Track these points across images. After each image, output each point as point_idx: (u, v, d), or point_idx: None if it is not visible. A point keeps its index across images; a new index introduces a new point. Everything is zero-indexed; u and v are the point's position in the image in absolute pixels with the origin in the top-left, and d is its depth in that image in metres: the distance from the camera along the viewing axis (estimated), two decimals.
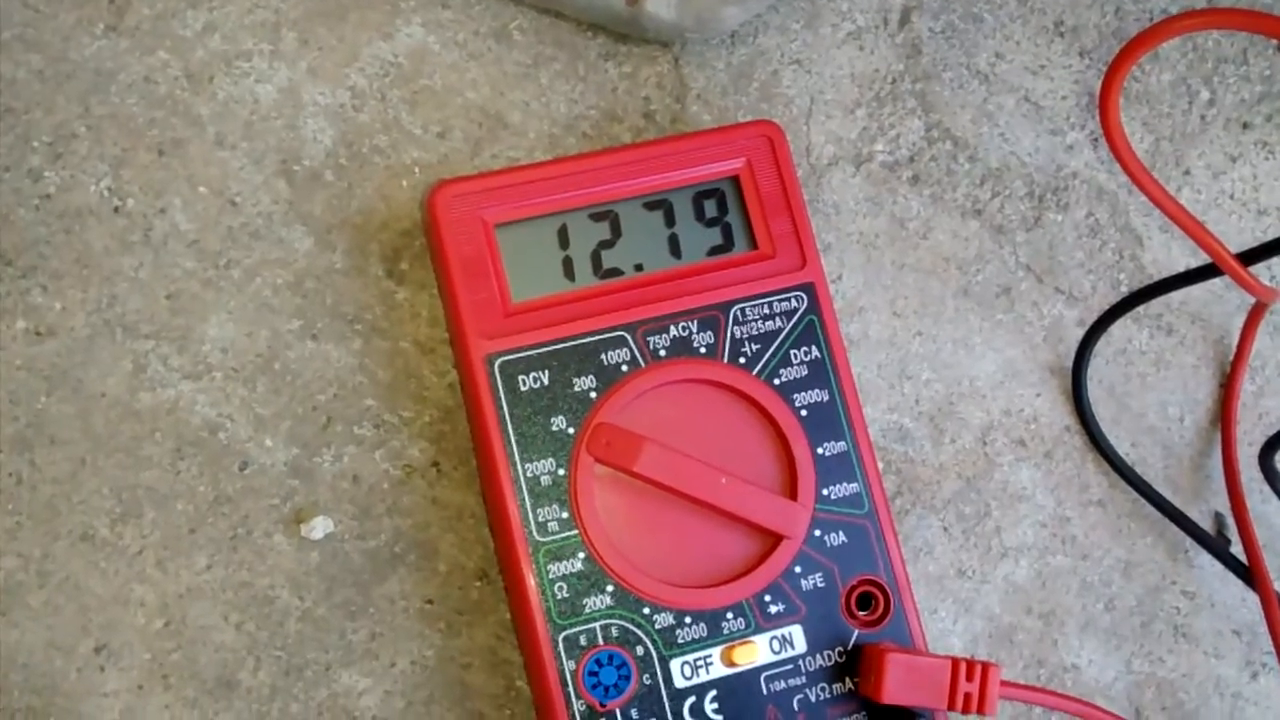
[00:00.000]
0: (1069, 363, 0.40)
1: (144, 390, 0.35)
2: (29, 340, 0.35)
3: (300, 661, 0.34)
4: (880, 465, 0.38)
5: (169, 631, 0.34)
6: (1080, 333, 0.40)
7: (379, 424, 0.36)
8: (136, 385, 0.35)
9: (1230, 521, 0.40)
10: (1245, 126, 0.43)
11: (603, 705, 0.32)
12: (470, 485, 0.36)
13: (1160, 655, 0.39)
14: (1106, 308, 0.39)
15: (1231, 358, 0.41)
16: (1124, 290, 0.41)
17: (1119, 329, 0.41)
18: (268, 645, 0.34)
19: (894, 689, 0.32)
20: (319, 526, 0.35)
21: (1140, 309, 0.41)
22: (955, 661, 0.32)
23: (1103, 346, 0.40)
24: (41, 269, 0.35)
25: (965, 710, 0.32)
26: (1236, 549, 0.39)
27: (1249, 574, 0.39)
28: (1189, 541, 0.40)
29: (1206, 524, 0.40)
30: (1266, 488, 0.39)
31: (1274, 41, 0.44)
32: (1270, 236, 0.41)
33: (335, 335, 0.36)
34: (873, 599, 0.34)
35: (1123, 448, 0.40)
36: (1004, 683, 0.33)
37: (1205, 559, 0.40)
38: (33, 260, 0.35)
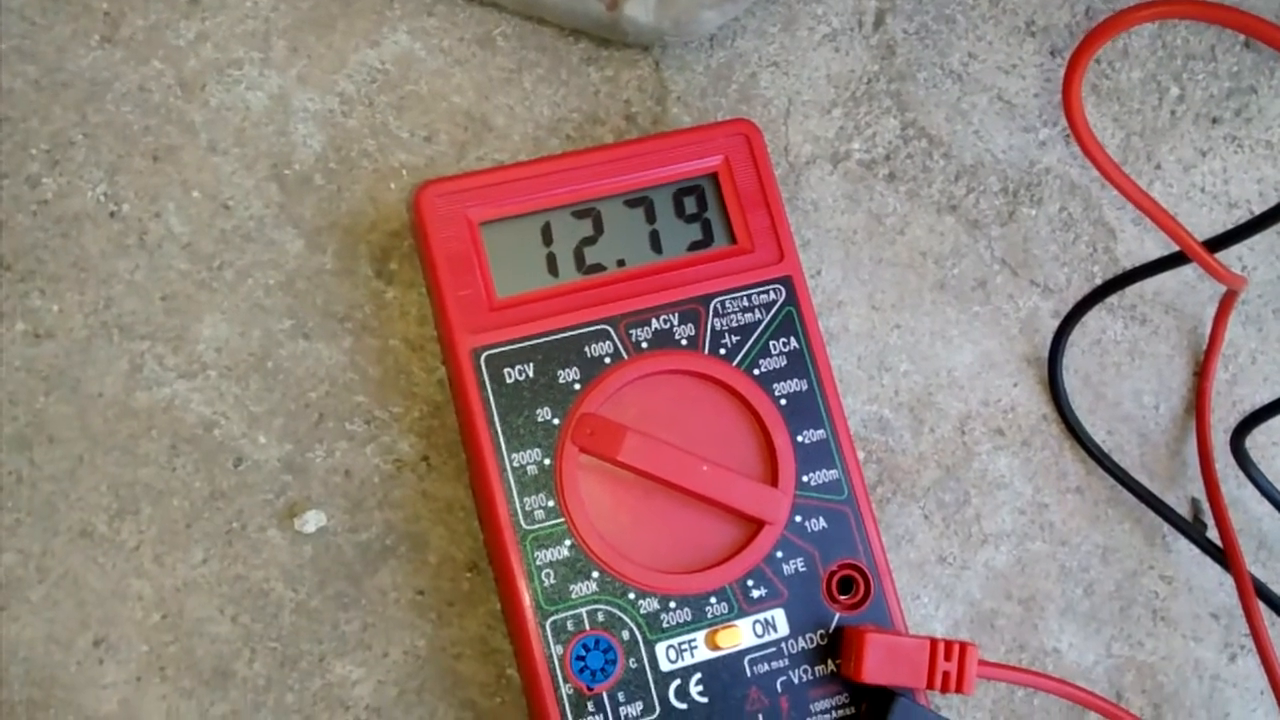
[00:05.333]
0: (1045, 353, 0.41)
1: (140, 389, 0.36)
2: (28, 342, 0.36)
3: (295, 652, 0.35)
4: (861, 455, 0.39)
5: (166, 624, 0.35)
6: (1055, 324, 0.41)
7: (370, 420, 0.37)
8: (133, 385, 0.36)
9: (1206, 506, 0.40)
10: (1214, 121, 0.44)
11: (590, 688, 0.33)
12: (460, 478, 0.37)
13: (1139, 639, 0.40)
14: (1080, 298, 0.40)
15: (1205, 346, 0.42)
16: (1098, 281, 0.42)
17: (1094, 319, 0.42)
18: (263, 637, 0.35)
19: (874, 669, 0.33)
20: (312, 520, 0.36)
21: (1114, 300, 0.42)
22: (934, 642, 0.33)
23: (1078, 337, 0.41)
24: (40, 272, 0.36)
25: (944, 689, 0.33)
26: (1212, 533, 0.40)
27: (1225, 558, 0.39)
28: (1166, 527, 0.41)
29: (1183, 509, 0.41)
30: (1241, 473, 0.40)
31: (1241, 37, 0.45)
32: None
33: (326, 334, 0.37)
34: (853, 582, 0.35)
35: (1099, 435, 0.41)
36: (982, 662, 0.33)
37: (1182, 544, 0.41)
38: (31, 264, 0.36)
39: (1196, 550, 0.40)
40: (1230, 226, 0.43)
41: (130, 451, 0.36)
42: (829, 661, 0.34)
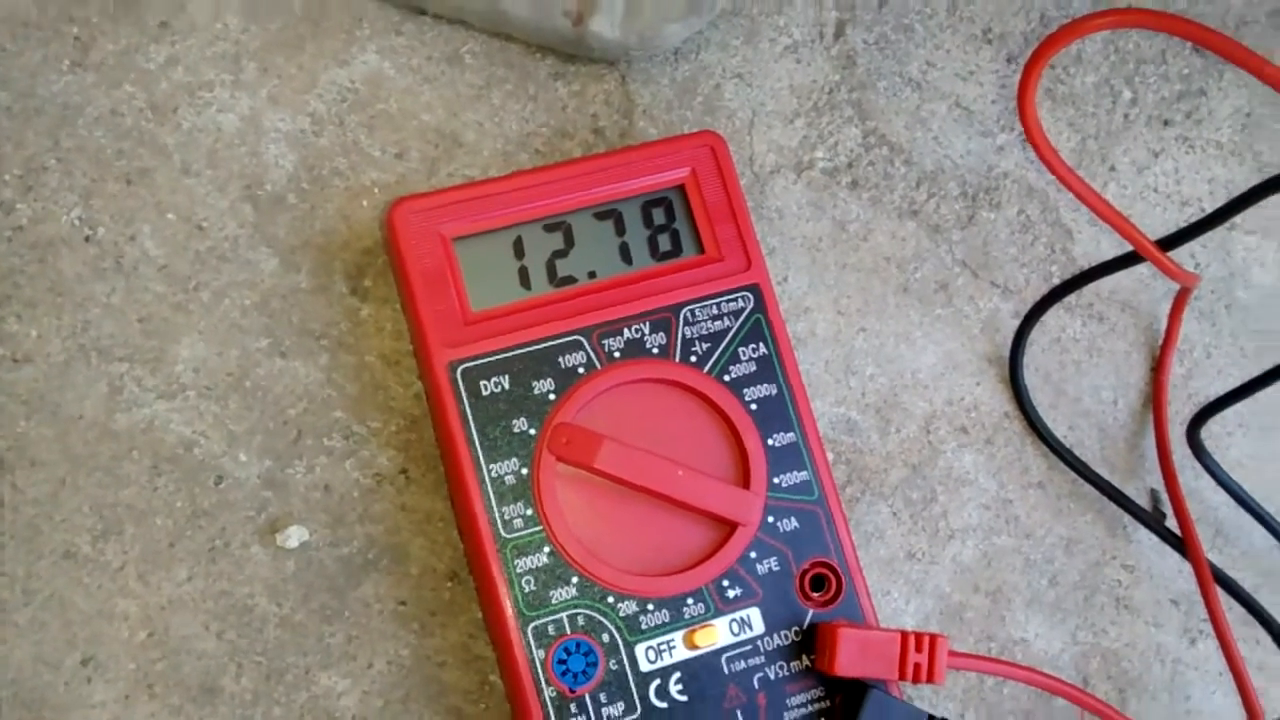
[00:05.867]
0: (1006, 352, 0.42)
1: (120, 411, 0.36)
2: (7, 367, 0.36)
3: (280, 666, 0.36)
4: (830, 456, 0.40)
5: (153, 642, 0.35)
6: (1016, 323, 0.42)
7: (348, 435, 0.37)
8: (113, 407, 0.36)
9: (1164, 497, 0.42)
10: (1166, 123, 0.45)
11: (572, 691, 0.33)
12: (438, 490, 0.37)
13: (1103, 626, 0.41)
14: (1039, 298, 0.41)
15: (1160, 342, 0.43)
16: (1056, 282, 0.43)
17: (1053, 319, 0.43)
18: (248, 652, 0.36)
19: (847, 662, 0.34)
20: (294, 535, 0.36)
21: (1072, 299, 0.43)
22: (904, 634, 0.34)
23: (1038, 336, 0.42)
24: (16, 298, 0.37)
25: (916, 680, 0.34)
26: (1171, 523, 0.41)
27: (1183, 546, 0.41)
28: (1126, 518, 0.42)
29: (1142, 500, 0.42)
30: (1197, 463, 0.41)
31: (1189, 42, 0.46)
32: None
33: (303, 352, 0.38)
34: (825, 580, 0.36)
35: (1060, 431, 0.42)
36: (952, 653, 0.34)
37: (1143, 534, 0.42)
38: (7, 290, 0.37)
39: (1156, 539, 0.42)
40: (1182, 225, 0.44)
41: (112, 472, 0.36)
42: (804, 657, 0.35)
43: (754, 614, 0.35)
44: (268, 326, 0.38)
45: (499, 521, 0.34)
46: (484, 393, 0.35)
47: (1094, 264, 0.42)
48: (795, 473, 0.36)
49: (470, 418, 0.35)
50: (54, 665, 0.35)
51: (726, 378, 0.36)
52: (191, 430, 0.37)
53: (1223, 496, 0.42)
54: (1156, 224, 0.44)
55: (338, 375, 0.38)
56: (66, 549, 0.35)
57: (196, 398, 0.37)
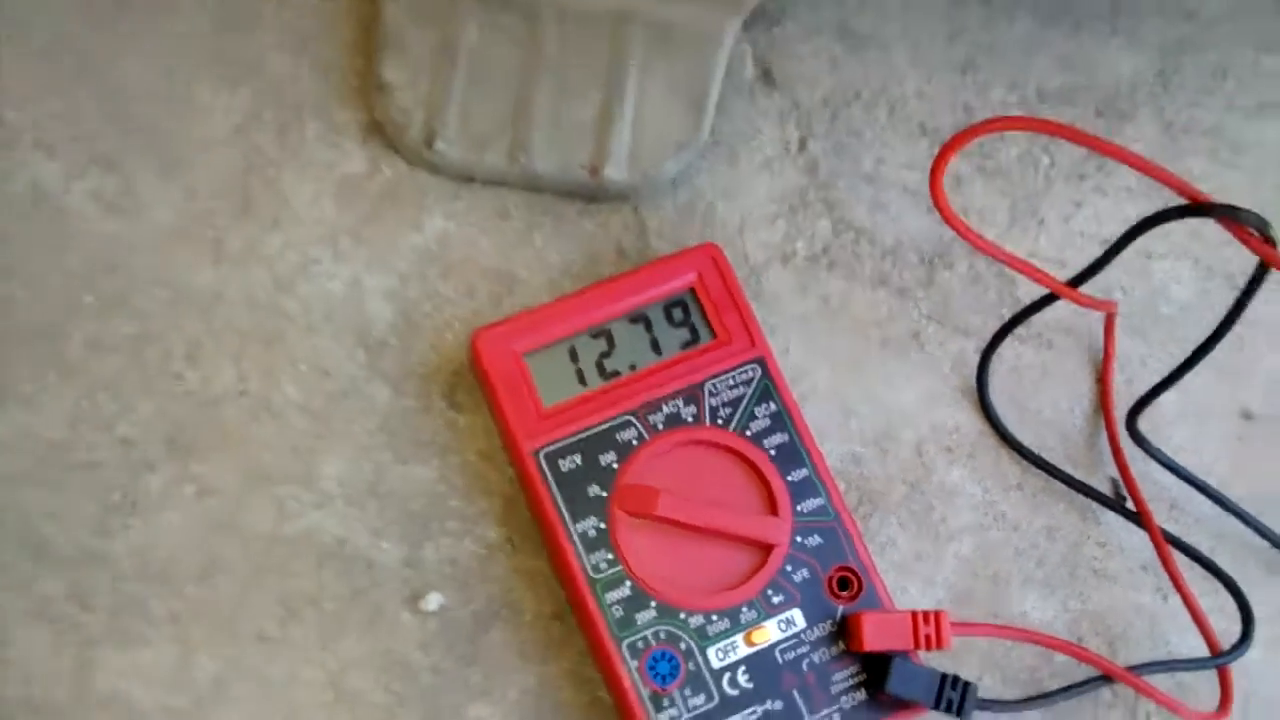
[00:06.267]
0: (974, 382, 0.52)
1: (286, 522, 0.47)
2: (196, 499, 0.47)
3: (436, 705, 0.46)
4: (842, 485, 0.50)
5: (336, 699, 0.45)
6: (978, 357, 0.52)
7: (462, 518, 0.48)
8: (280, 519, 0.47)
9: (1122, 483, 0.51)
10: (1081, 178, 0.55)
11: (663, 689, 0.43)
12: (538, 552, 0.48)
13: (1088, 594, 0.50)
14: (993, 335, 0.51)
15: (1101, 358, 0.53)
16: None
17: (1010, 350, 0.53)
18: (410, 698, 0.46)
19: (872, 640, 0.43)
20: (433, 601, 0.46)
21: (1023, 332, 0.53)
22: (914, 614, 0.44)
23: (998, 366, 0.52)
24: (196, 446, 0.47)
25: (929, 647, 0.43)
26: (1130, 504, 0.50)
27: (1141, 521, 0.50)
28: (1094, 504, 0.51)
29: (1105, 488, 0.51)
30: (1142, 451, 0.51)
31: (1092, 108, 0.57)
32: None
33: (418, 458, 0.48)
34: (849, 581, 0.45)
35: (1028, 440, 0.52)
36: (954, 623, 0.44)
37: (1109, 515, 0.51)
38: (188, 440, 0.47)
39: (1120, 519, 0.51)
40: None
41: (286, 570, 0.46)
42: (839, 643, 0.45)
43: (796, 613, 0.45)
44: (389, 442, 0.48)
45: (588, 567, 0.44)
46: (563, 469, 0.45)
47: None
48: (812, 499, 0.46)
49: (555, 490, 0.45)
50: None
51: (748, 433, 0.46)
52: (343, 530, 0.47)
53: (1172, 477, 0.51)
54: (1085, 261, 0.54)
55: (448, 473, 0.48)
56: (259, 633, 0.46)
57: (343, 505, 0.47)
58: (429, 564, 0.47)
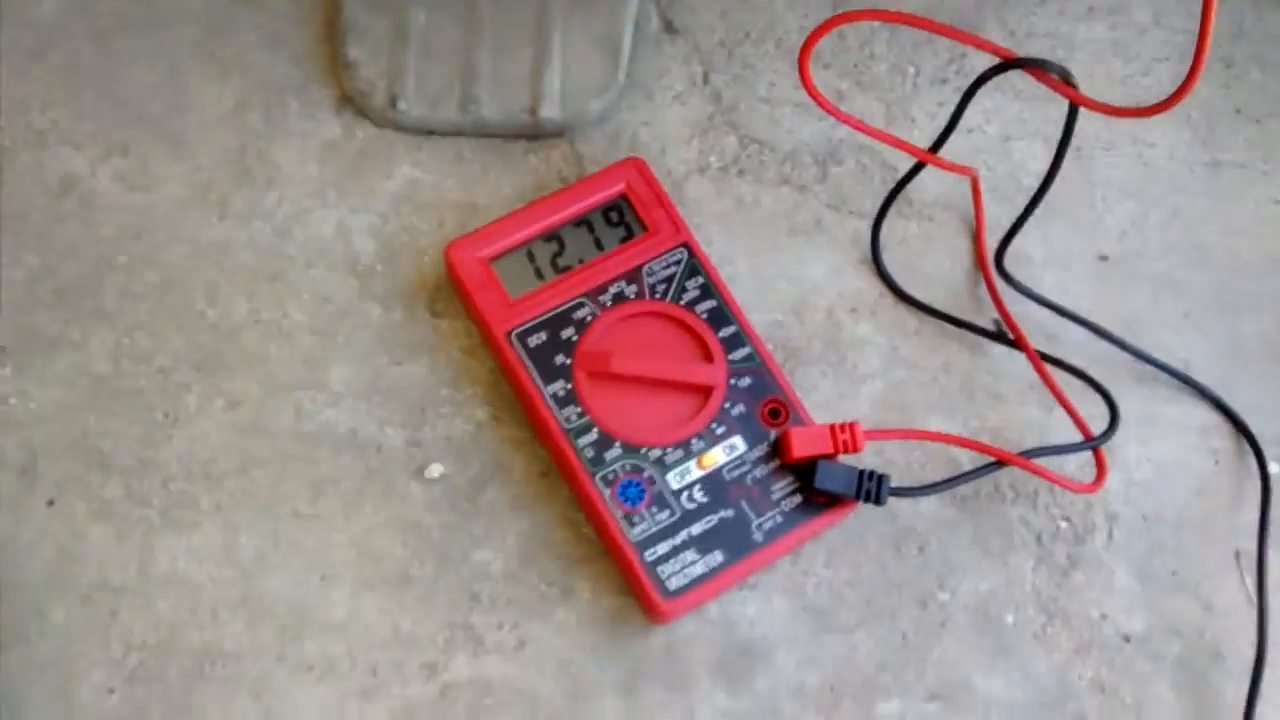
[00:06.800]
0: (869, 252, 0.62)
1: (305, 421, 0.56)
2: (227, 411, 0.56)
3: (445, 553, 0.54)
4: (770, 346, 0.59)
5: (363, 556, 0.54)
6: (870, 231, 0.62)
7: (453, 403, 0.57)
8: (300, 419, 0.56)
9: (1000, 319, 0.61)
10: (943, 82, 0.66)
11: (633, 508, 0.52)
12: (520, 423, 0.57)
13: (984, 414, 0.60)
14: (878, 210, 0.61)
15: (974, 220, 0.63)
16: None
17: (899, 227, 0.62)
18: (424, 550, 0.54)
19: (799, 448, 0.53)
20: (435, 470, 0.55)
21: (908, 210, 0.62)
22: (832, 426, 0.53)
23: (890, 239, 0.62)
24: (222, 367, 0.56)
25: (846, 450, 0.53)
26: (1010, 336, 0.60)
27: (1020, 348, 0.59)
28: (981, 340, 0.61)
29: (988, 325, 0.61)
30: (1015, 291, 0.60)
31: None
32: (975, 147, 0.64)
33: (411, 359, 0.57)
34: (778, 410, 0.55)
35: (921, 295, 0.61)
36: (866, 431, 0.53)
37: (995, 347, 0.61)
38: (215, 364, 0.56)
39: (1004, 349, 0.60)
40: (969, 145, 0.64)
41: (309, 460, 0.55)
42: (775, 459, 0.54)
43: (737, 439, 0.54)
44: (384, 349, 0.57)
45: (561, 421, 0.53)
46: (531, 345, 0.55)
47: (915, 187, 0.62)
48: (741, 349, 0.56)
49: (528, 362, 0.54)
50: (302, 585, 0.54)
51: (682, 301, 0.56)
52: (354, 422, 0.56)
53: (1047, 313, 0.61)
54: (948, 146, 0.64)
55: (436, 368, 0.57)
56: (293, 511, 0.55)
57: (352, 401, 0.56)
58: (429, 442, 0.56)
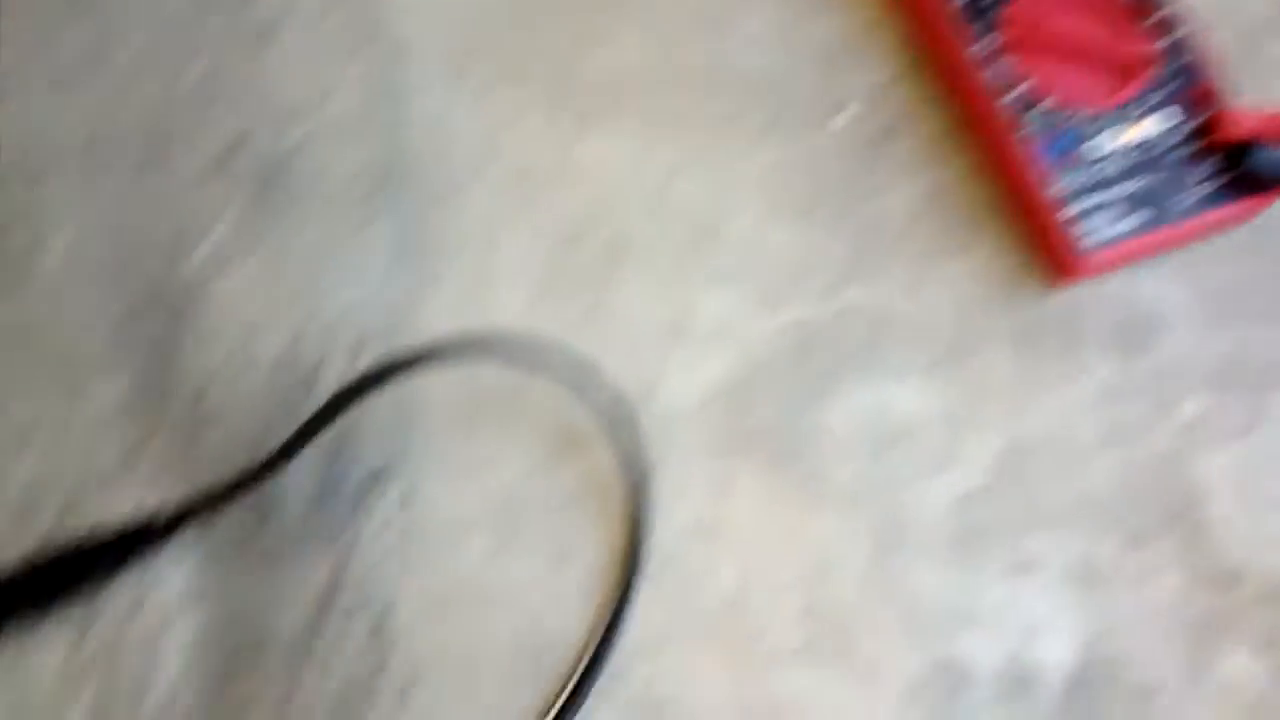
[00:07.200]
0: None
1: (717, 58, 0.57)
2: (648, 34, 0.57)
3: (849, 195, 0.55)
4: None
5: (771, 185, 0.55)
6: None
7: (865, 55, 0.57)
8: (712, 56, 0.57)
9: None
10: None
11: (1057, 165, 0.52)
12: (929, 81, 0.56)
13: None
14: None
15: None
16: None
17: None
18: (828, 189, 0.55)
19: (1233, 128, 0.52)
20: (842, 119, 0.56)
21: None
22: (1274, 113, 0.52)
23: None
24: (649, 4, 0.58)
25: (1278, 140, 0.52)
26: None
27: None
28: None
29: None
30: None
31: None
32: None
33: (827, 11, 0.58)
34: (1210, 93, 0.54)
35: None
36: None
37: None
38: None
39: None
40: None
41: (723, 94, 0.56)
42: (1202, 140, 0.53)
43: (1167, 113, 0.53)
44: (809, 9, 0.58)
45: (988, 75, 0.53)
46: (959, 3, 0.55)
47: None
48: (1178, 30, 0.55)
49: (957, 16, 0.54)
50: (711, 203, 0.55)
51: None
52: (766, 62, 0.57)
53: None
54: None
55: (851, 22, 0.58)
56: (705, 135, 0.56)
57: (767, 44, 0.57)
58: (837, 90, 0.57)
